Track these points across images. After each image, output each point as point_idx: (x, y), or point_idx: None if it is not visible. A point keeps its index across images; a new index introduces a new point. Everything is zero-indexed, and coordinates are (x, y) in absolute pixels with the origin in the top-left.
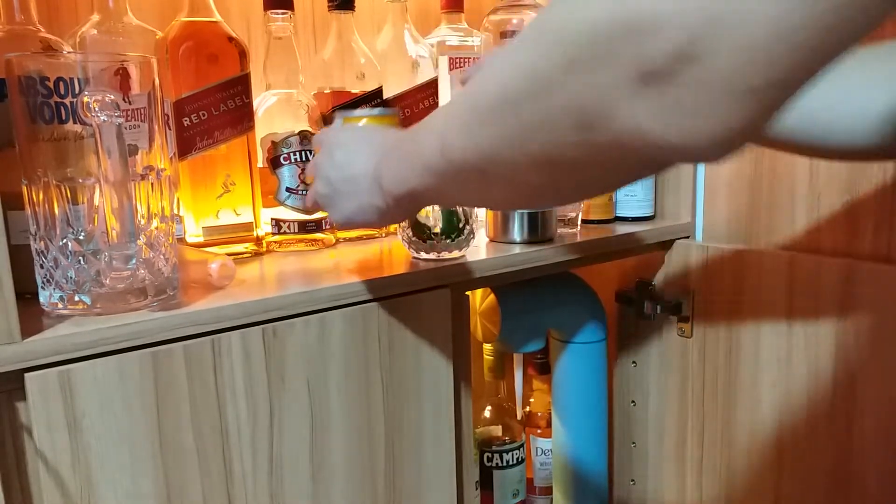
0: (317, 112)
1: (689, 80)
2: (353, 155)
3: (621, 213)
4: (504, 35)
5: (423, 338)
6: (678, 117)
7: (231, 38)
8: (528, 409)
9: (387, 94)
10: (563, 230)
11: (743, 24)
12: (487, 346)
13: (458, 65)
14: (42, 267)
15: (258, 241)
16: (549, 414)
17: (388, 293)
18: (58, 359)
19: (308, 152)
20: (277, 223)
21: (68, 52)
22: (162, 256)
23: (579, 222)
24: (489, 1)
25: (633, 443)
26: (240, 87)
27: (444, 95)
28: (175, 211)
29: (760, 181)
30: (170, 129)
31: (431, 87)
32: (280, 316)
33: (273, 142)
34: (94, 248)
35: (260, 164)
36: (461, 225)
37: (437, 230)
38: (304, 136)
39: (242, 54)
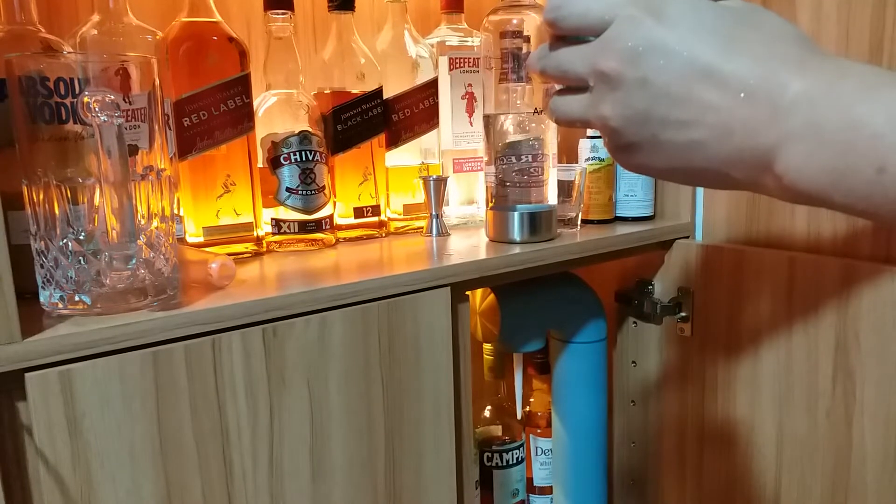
0: (317, 112)
1: None
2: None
3: (621, 213)
4: (504, 35)
5: (423, 338)
6: None
7: (231, 39)
8: (528, 408)
9: (387, 94)
10: (563, 230)
11: None
12: (487, 346)
13: (458, 65)
14: (42, 267)
15: (258, 241)
16: (549, 414)
17: (388, 293)
18: (58, 359)
19: (307, 152)
20: (277, 223)
21: (68, 53)
22: (162, 256)
23: (579, 222)
24: (489, 1)
25: (633, 443)
26: (240, 88)
27: (444, 96)
28: (175, 211)
29: None
30: (170, 129)
31: (431, 87)
32: (280, 316)
33: (273, 142)
34: (94, 248)
35: (260, 165)
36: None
37: None
38: (305, 137)
39: (242, 54)
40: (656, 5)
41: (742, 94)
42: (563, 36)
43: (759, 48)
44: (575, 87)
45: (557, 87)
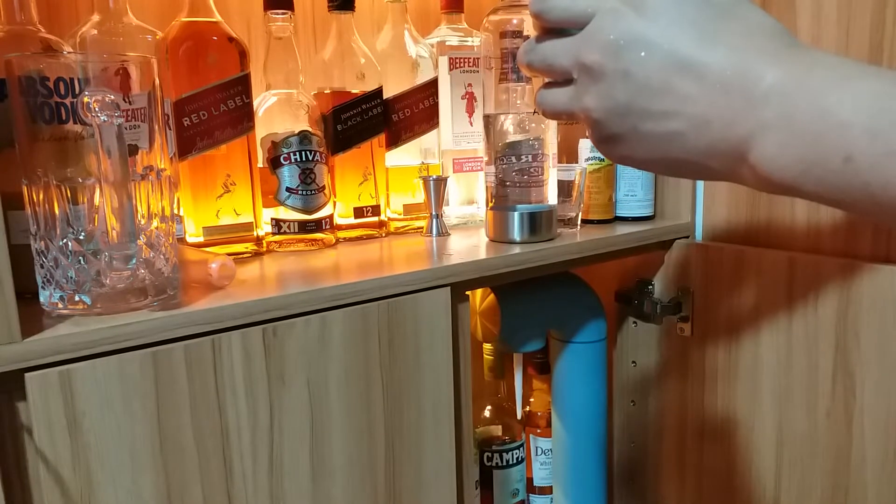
0: (317, 112)
1: None
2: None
3: (621, 213)
4: (504, 35)
5: (423, 338)
6: None
7: (231, 38)
8: (528, 408)
9: (387, 94)
10: (563, 230)
11: None
12: (487, 346)
13: (458, 65)
14: (42, 267)
15: (258, 241)
16: (549, 414)
17: (388, 293)
18: (58, 359)
19: (307, 152)
20: (277, 223)
21: (68, 53)
22: (162, 256)
23: (579, 222)
24: (489, 1)
25: (633, 442)
26: (240, 87)
27: (444, 96)
28: (175, 211)
29: None
30: (170, 129)
31: (431, 87)
32: (280, 316)
33: (273, 142)
34: (94, 247)
35: (260, 165)
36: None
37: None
38: (304, 136)
39: (242, 54)
40: None
41: (719, 86)
42: (550, 29)
43: (738, 40)
44: (561, 79)
45: (547, 80)
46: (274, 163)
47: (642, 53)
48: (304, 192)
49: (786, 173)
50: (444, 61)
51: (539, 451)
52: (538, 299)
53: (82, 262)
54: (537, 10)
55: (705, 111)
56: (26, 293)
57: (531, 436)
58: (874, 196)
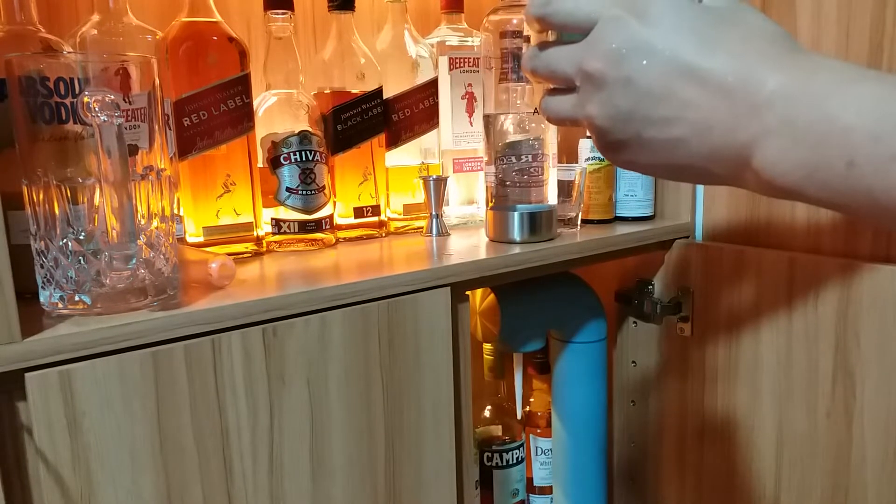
0: (317, 112)
1: None
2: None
3: (621, 213)
4: (504, 35)
5: (423, 338)
6: None
7: (231, 38)
8: (528, 408)
9: (387, 94)
10: (563, 230)
11: None
12: (487, 346)
13: (458, 65)
14: (42, 267)
15: (258, 241)
16: (549, 414)
17: (388, 293)
18: (58, 359)
19: (307, 152)
20: (277, 223)
21: (68, 52)
22: (162, 256)
23: (579, 222)
24: (489, 1)
25: (633, 442)
26: (240, 87)
27: (444, 96)
28: (175, 211)
29: None
30: (170, 129)
31: (431, 87)
32: (280, 316)
33: (273, 142)
34: (94, 247)
35: (260, 164)
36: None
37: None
38: (304, 136)
39: (242, 54)
40: (640, 6)
41: (721, 91)
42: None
43: (738, 46)
44: (564, 86)
45: (551, 86)
46: (274, 163)
47: (644, 61)
48: (304, 192)
49: (789, 178)
50: (444, 61)
51: (539, 451)
52: (538, 299)
53: (82, 262)
54: (541, 13)
55: (707, 117)
56: (26, 293)
57: (531, 436)
58: (877, 201)
